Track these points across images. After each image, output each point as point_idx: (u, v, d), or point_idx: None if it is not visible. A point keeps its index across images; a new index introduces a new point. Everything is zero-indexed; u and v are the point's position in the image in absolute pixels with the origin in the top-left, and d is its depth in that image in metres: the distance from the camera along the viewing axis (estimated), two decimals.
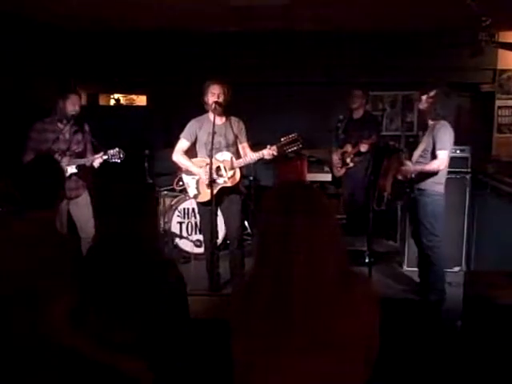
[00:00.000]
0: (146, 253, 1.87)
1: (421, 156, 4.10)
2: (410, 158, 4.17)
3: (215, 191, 4.04)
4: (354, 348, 1.40)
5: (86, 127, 4.30)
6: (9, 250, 1.94)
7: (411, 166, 4.11)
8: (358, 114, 5.46)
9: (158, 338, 1.81)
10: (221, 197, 4.14)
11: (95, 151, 4.30)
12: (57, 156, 3.97)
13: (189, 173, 4.25)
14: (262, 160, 4.16)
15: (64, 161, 4.05)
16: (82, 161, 4.16)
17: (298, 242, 1.40)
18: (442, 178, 4.05)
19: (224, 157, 4.09)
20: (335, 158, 5.57)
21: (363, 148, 5.20)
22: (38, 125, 4.11)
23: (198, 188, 4.21)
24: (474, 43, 4.78)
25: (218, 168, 4.07)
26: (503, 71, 6.25)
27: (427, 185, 4.05)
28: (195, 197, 4.27)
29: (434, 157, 3.98)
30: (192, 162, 4.17)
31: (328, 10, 4.88)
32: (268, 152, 3.99)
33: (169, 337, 1.82)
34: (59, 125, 4.13)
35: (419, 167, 4.06)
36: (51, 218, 2.09)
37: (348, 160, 5.43)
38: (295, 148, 4.01)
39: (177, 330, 1.85)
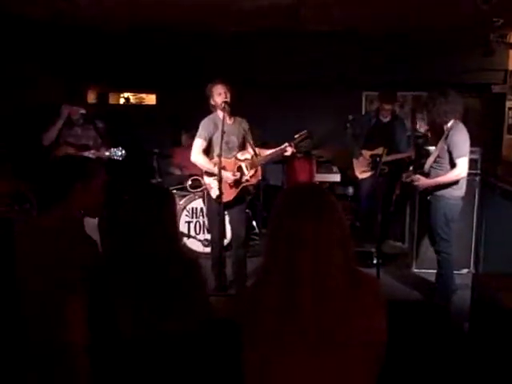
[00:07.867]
0: (172, 251, 1.87)
1: (435, 162, 3.91)
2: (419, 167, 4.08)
3: (237, 190, 4.07)
4: (362, 346, 1.40)
5: (100, 124, 4.49)
6: (28, 245, 1.95)
7: (425, 180, 3.95)
8: (386, 118, 5.43)
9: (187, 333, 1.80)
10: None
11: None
12: (65, 149, 4.27)
13: (209, 174, 4.15)
14: (281, 157, 4.23)
15: (70, 153, 4.26)
16: (85, 153, 4.30)
17: (305, 242, 1.41)
18: (460, 182, 3.87)
19: (245, 156, 4.13)
20: (363, 159, 5.46)
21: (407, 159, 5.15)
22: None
23: (220, 188, 4.08)
24: (486, 44, 4.76)
25: (240, 167, 4.08)
26: None
27: (443, 191, 3.88)
28: (218, 197, 4.11)
29: (452, 165, 3.78)
30: (213, 164, 4.03)
31: (339, 10, 4.87)
32: (289, 149, 4.07)
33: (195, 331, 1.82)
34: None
35: (437, 179, 3.84)
36: (69, 210, 2.05)
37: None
38: (306, 145, 4.05)
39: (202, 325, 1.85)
